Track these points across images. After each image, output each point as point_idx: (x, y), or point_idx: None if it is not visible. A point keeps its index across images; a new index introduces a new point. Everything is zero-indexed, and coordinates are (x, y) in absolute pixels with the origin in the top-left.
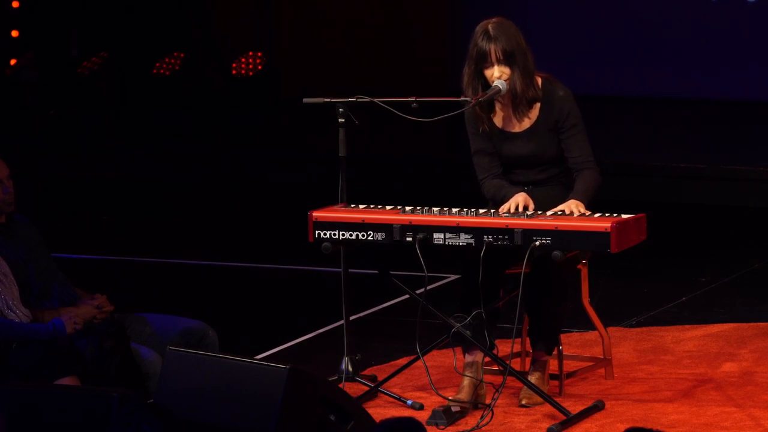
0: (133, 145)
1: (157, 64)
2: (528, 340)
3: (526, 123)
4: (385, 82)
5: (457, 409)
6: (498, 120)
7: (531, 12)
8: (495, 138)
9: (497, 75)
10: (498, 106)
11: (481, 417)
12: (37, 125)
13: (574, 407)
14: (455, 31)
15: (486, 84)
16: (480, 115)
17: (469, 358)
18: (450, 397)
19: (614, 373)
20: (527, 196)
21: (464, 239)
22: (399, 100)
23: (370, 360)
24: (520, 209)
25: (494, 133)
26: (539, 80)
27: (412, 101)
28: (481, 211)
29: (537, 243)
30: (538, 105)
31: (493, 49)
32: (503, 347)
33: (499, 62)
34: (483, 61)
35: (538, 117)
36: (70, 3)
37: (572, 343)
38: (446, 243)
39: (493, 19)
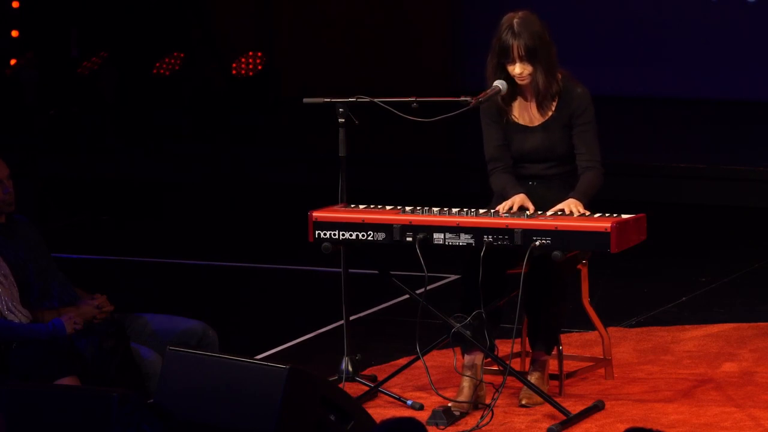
0: (133, 145)
1: (157, 64)
2: (528, 340)
3: (541, 117)
4: (385, 82)
5: (458, 413)
6: (514, 113)
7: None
8: (509, 130)
9: (518, 71)
10: (518, 99)
11: (481, 417)
12: (37, 125)
13: (574, 407)
14: (455, 31)
15: (508, 76)
16: (503, 107)
17: (468, 358)
18: (450, 400)
19: (614, 373)
20: (525, 197)
21: (464, 239)
22: (399, 100)
23: (370, 360)
24: (515, 209)
25: (509, 124)
26: (559, 76)
27: (412, 101)
28: (481, 211)
29: (537, 243)
30: (556, 100)
31: (516, 46)
32: (503, 347)
33: (521, 59)
34: (505, 56)
35: (554, 112)
36: (70, 3)
37: (572, 343)
38: (446, 243)
39: (519, 13)
